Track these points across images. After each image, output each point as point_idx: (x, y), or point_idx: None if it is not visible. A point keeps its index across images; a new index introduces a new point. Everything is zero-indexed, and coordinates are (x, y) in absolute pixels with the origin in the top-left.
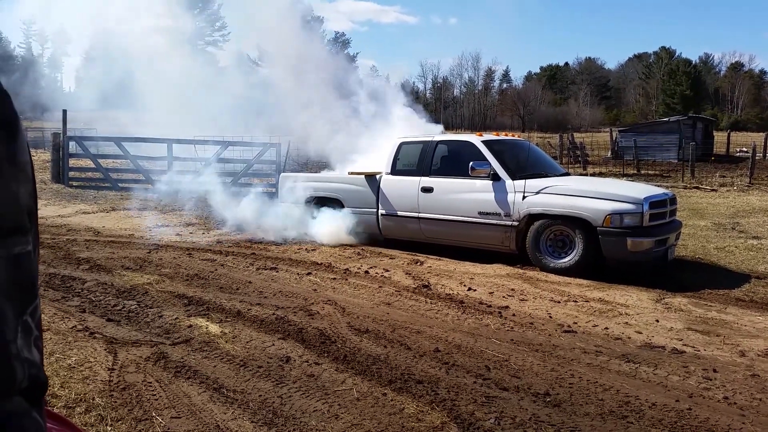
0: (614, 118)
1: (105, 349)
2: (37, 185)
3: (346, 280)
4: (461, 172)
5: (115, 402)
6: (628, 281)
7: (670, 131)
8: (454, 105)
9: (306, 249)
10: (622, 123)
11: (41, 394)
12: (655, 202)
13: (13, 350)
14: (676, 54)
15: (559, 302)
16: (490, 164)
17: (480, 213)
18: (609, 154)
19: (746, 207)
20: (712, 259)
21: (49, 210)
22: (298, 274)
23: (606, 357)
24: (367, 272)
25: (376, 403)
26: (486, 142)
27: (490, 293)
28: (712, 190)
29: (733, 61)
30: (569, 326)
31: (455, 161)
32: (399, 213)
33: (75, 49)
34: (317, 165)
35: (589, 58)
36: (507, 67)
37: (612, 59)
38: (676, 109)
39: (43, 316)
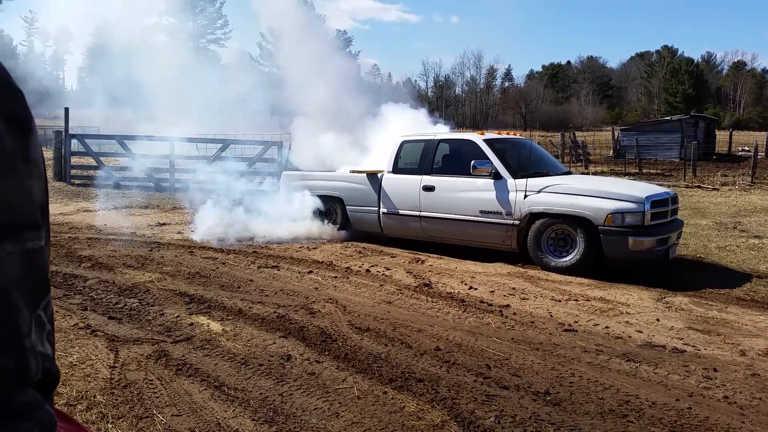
0: (616, 117)
1: (106, 347)
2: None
3: (348, 278)
4: (463, 170)
5: (117, 400)
6: (629, 280)
7: (672, 130)
8: (456, 103)
9: (307, 247)
10: (624, 122)
11: (53, 388)
12: (656, 201)
13: (28, 344)
14: (679, 53)
15: (560, 301)
16: (492, 163)
17: (481, 212)
18: (611, 152)
19: (748, 206)
20: (713, 258)
21: (51, 208)
22: (299, 272)
23: (606, 356)
24: (368, 271)
25: (377, 401)
26: (488, 141)
27: (491, 292)
28: (714, 189)
29: (736, 60)
30: (570, 325)
31: (457, 160)
32: (400, 211)
33: (77, 47)
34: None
35: (591, 56)
36: (509, 66)
37: (614, 58)
38: (678, 108)
39: None
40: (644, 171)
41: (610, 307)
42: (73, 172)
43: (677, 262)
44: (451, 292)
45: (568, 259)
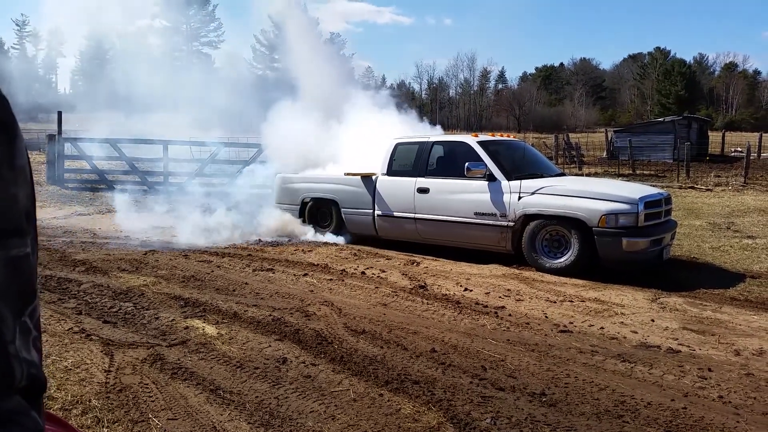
0: (609, 119)
1: (101, 351)
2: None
3: (343, 281)
4: (457, 172)
5: (112, 404)
6: (623, 281)
7: (665, 131)
8: (450, 106)
9: (302, 250)
10: (617, 123)
11: (40, 394)
12: (650, 202)
13: (12, 351)
14: (671, 54)
15: (555, 302)
16: (486, 165)
17: (476, 213)
18: (604, 154)
19: (741, 206)
20: (707, 258)
21: (44, 212)
22: (294, 275)
23: (602, 357)
24: (363, 273)
25: (373, 403)
26: (481, 143)
27: (487, 294)
28: (707, 189)
29: (728, 62)
30: (565, 326)
31: (451, 162)
32: (395, 214)
33: (70, 49)
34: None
35: (584, 58)
36: (502, 68)
37: (607, 60)
38: (671, 110)
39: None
40: (638, 172)
41: (604, 308)
42: (67, 175)
43: (671, 262)
44: (446, 294)
45: (563, 260)
